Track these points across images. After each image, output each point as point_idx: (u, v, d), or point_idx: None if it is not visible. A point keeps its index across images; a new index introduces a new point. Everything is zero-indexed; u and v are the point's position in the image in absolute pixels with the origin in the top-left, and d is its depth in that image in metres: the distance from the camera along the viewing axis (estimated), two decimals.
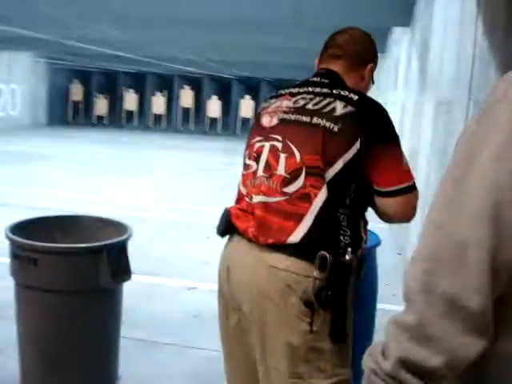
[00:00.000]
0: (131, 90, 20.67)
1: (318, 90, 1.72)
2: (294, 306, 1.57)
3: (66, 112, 20.84)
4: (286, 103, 1.75)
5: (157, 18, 7.42)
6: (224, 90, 20.36)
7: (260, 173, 1.69)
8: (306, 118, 1.66)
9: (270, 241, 1.61)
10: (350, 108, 1.63)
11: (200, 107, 20.52)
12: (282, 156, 1.64)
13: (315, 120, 1.64)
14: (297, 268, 1.57)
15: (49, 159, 10.98)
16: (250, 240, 1.66)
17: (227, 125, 20.57)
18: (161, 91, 20.62)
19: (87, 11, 7.20)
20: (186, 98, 20.62)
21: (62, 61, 16.91)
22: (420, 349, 0.87)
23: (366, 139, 1.59)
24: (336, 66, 1.80)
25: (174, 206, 7.26)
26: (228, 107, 20.41)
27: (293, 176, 1.62)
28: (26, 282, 2.49)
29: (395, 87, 7.96)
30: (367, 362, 0.97)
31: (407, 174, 1.66)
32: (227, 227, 1.75)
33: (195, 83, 20.18)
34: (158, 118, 20.81)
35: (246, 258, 1.66)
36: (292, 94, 1.76)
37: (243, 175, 1.78)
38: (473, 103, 3.39)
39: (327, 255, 1.54)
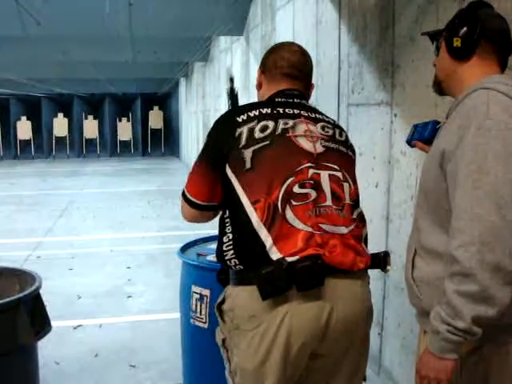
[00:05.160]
0: None
1: (319, 116, 1.75)
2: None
3: None
4: (315, 129, 1.68)
5: None
6: (33, 110, 19.03)
7: (328, 203, 1.57)
8: (343, 148, 1.73)
9: (363, 266, 1.59)
10: (344, 135, 1.79)
11: (9, 130, 18.99)
12: (345, 185, 1.65)
13: (347, 151, 1.74)
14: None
15: None
16: (352, 272, 1.54)
17: (41, 147, 19.31)
18: None
19: None
20: None
21: None
22: (484, 307, 1.21)
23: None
24: (300, 87, 1.80)
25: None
26: (39, 127, 19.14)
27: (355, 203, 1.68)
28: None
29: None
30: (436, 325, 1.28)
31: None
32: (319, 274, 1.47)
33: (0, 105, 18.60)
34: None
35: (355, 291, 1.57)
36: (310, 118, 1.70)
37: (294, 206, 1.53)
38: (345, 105, 3.62)
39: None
